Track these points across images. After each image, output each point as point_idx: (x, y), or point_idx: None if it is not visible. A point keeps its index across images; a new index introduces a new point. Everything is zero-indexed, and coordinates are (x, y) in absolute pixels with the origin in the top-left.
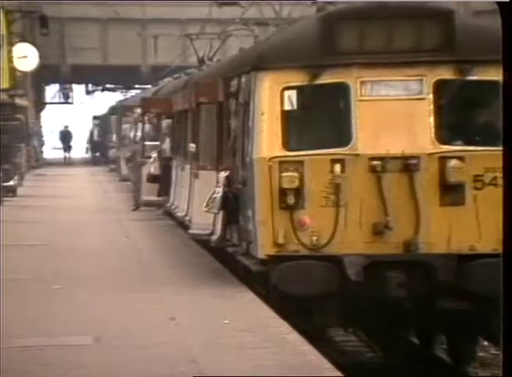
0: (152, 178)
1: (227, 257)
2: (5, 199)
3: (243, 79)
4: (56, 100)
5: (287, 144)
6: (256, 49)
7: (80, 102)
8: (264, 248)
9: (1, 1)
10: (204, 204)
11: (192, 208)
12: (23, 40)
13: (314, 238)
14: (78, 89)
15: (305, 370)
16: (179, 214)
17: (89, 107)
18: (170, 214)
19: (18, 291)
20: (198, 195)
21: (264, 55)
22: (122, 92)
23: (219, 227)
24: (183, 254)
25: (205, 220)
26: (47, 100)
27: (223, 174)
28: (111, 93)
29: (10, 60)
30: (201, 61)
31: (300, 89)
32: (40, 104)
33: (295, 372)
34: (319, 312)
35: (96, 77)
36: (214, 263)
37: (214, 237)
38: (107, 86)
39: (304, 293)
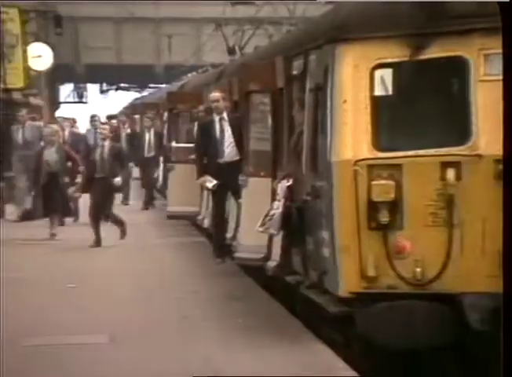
0: None
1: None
2: None
3: (314, 57)
4: (71, 99)
5: (378, 142)
6: (332, 16)
7: (97, 100)
8: (347, 283)
9: (17, 0)
10: (259, 223)
11: (237, 225)
12: (38, 39)
13: (418, 269)
14: (92, 89)
15: (319, 369)
16: None
17: (104, 106)
18: (200, 228)
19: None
20: (246, 210)
21: (346, 22)
22: (136, 91)
23: (277, 251)
24: None
25: (255, 241)
26: (61, 99)
27: (284, 184)
28: (125, 93)
29: (25, 59)
30: (231, 51)
31: (397, 67)
32: (54, 104)
33: (309, 371)
34: (427, 372)
35: (111, 76)
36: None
37: (272, 264)
38: (122, 85)
39: (405, 345)
